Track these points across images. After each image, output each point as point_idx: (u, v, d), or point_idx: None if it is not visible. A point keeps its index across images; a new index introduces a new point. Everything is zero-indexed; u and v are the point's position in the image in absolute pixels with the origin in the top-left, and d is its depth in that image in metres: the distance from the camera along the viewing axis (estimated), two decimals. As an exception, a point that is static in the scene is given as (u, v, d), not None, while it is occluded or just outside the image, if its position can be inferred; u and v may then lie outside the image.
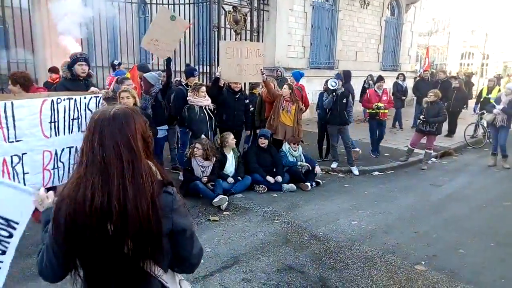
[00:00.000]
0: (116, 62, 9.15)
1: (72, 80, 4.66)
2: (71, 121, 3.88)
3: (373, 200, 5.76)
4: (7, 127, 3.45)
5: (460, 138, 10.21)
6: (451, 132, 10.57)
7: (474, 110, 10.70)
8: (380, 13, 15.04)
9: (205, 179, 5.39)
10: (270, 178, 5.93)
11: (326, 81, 7.47)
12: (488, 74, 38.53)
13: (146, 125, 1.41)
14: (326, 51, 13.55)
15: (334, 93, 6.95)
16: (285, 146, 6.47)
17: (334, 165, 7.29)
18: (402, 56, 16.84)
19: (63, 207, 1.28)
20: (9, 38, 9.04)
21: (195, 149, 5.45)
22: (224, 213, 4.97)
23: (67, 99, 3.83)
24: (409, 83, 12.30)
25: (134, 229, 1.25)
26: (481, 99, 10.50)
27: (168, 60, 6.22)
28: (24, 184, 3.62)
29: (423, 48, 28.11)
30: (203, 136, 5.63)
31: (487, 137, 9.63)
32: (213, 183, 5.40)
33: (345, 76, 8.31)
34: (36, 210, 4.45)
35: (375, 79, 11.45)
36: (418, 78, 12.43)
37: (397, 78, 11.77)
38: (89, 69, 4.79)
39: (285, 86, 6.75)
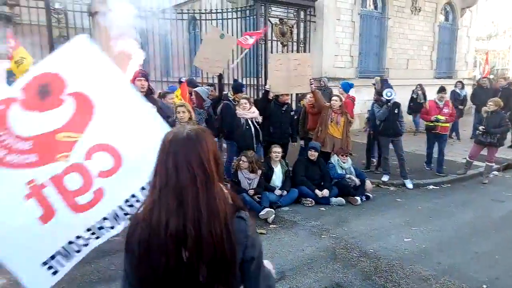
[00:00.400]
0: (183, 79, 9.31)
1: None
2: None
3: (428, 216, 5.47)
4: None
5: (525, 149, 9.45)
6: (515, 142, 9.80)
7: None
8: (433, 19, 14.41)
9: (251, 191, 5.42)
10: (318, 192, 5.84)
11: (377, 91, 7.28)
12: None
13: (217, 146, 1.38)
14: (375, 60, 13.20)
15: (388, 104, 6.73)
16: (334, 158, 6.35)
17: (385, 178, 7.03)
18: (458, 63, 15.96)
19: (137, 232, 1.25)
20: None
21: (240, 162, 5.52)
22: (270, 226, 4.95)
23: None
24: (468, 91, 11.60)
25: (209, 255, 1.20)
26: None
27: (220, 76, 6.45)
28: None
29: (482, 54, 26.45)
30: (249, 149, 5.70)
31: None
32: (259, 195, 5.42)
33: (382, 84, 8.08)
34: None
35: (425, 89, 10.97)
36: (476, 86, 11.68)
37: (455, 86, 11.16)
38: (148, 85, 5.01)
39: (335, 97, 6.65)
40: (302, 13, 10.62)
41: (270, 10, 10.01)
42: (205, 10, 10.57)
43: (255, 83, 10.09)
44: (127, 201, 1.94)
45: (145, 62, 10.57)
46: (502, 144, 7.26)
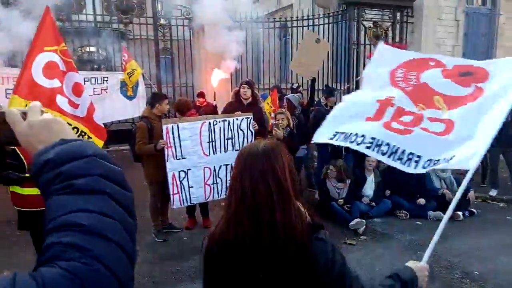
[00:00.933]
0: (295, 85, 9.37)
1: (238, 102, 5.14)
2: (226, 140, 4.40)
3: (548, 238, 4.79)
4: (175, 146, 4.12)
5: None
6: None
7: None
8: (558, 12, 12.55)
9: (341, 201, 5.34)
10: (421, 200, 5.53)
11: None
12: None
13: (292, 161, 1.33)
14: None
15: None
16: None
17: (493, 192, 6.35)
18: None
19: (215, 249, 1.25)
20: (175, 66, 10.71)
21: (328, 171, 5.47)
22: (361, 237, 4.82)
23: (221, 121, 4.36)
24: None
25: (286, 277, 1.16)
26: None
27: (313, 81, 6.55)
28: (190, 197, 4.27)
29: None
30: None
31: None
32: (349, 205, 5.31)
33: None
34: (190, 216, 5.08)
35: None
36: None
37: None
38: (252, 93, 5.18)
39: None
40: (398, 14, 10.13)
41: (363, 13, 9.75)
42: (297, 17, 10.69)
43: (347, 88, 9.89)
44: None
45: (237, 69, 11.17)
46: None
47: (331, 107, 6.15)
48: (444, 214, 5.12)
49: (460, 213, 5.42)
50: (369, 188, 5.74)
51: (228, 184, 4.36)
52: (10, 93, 5.92)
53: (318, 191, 5.79)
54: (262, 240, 1.16)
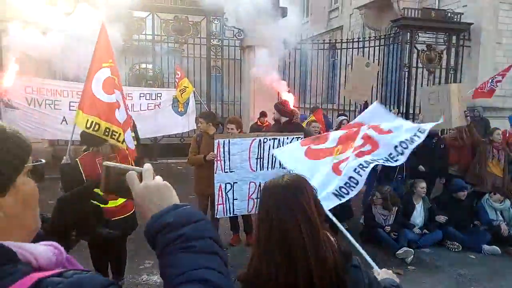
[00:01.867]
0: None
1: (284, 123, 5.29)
2: (274, 158, 4.46)
3: None
4: (224, 159, 4.26)
5: None
6: None
7: None
8: None
9: (388, 228, 5.15)
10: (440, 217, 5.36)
11: None
12: None
13: (316, 192, 1.36)
14: (548, 87, 11.20)
15: None
16: (484, 198, 5.63)
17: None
18: None
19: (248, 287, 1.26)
20: (223, 83, 11.05)
21: (374, 197, 5.32)
22: (409, 267, 4.62)
23: (272, 139, 4.45)
24: None
25: None
26: None
27: (366, 104, 6.58)
28: (233, 209, 4.38)
29: None
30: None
31: None
32: (396, 233, 5.11)
33: None
34: (235, 233, 5.17)
35: None
36: None
37: None
38: (284, 113, 5.33)
39: (498, 131, 6.01)
40: (454, 38, 9.84)
41: (417, 36, 9.57)
42: (347, 39, 10.70)
43: (395, 112, 9.66)
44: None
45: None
46: None
47: None
48: (501, 249, 4.86)
49: (519, 250, 5.05)
50: (418, 216, 5.51)
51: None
52: (73, 106, 6.45)
53: (363, 216, 5.64)
54: (297, 273, 1.16)
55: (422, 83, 9.64)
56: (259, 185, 4.42)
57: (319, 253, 1.17)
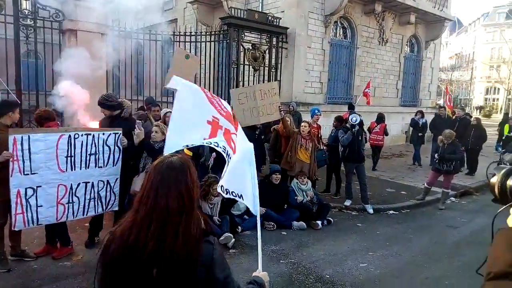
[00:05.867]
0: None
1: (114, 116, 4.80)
2: (88, 156, 4.07)
3: (386, 241, 5.63)
4: (23, 160, 3.65)
5: (482, 176, 9.90)
6: (472, 170, 10.30)
7: (497, 149, 10.45)
8: (399, 50, 15.16)
9: (216, 218, 5.42)
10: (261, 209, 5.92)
11: (338, 118, 7.61)
12: (515, 109, 37.66)
13: (196, 175, 1.50)
14: (344, 87, 13.68)
15: (354, 129, 6.97)
16: (293, 182, 6.51)
17: (347, 202, 7.21)
18: (422, 92, 16.76)
19: (112, 247, 1.36)
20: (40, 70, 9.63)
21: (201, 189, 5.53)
22: (230, 251, 4.95)
23: (84, 134, 4.03)
24: (428, 120, 12.15)
25: (176, 274, 1.32)
26: (503, 138, 10.27)
27: None
28: (37, 217, 3.80)
29: (448, 83, 27.94)
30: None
31: (510, 177, 9.30)
32: (220, 219, 5.42)
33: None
34: (47, 242, 4.55)
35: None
36: (435, 115, 12.31)
37: (415, 115, 11.71)
38: (110, 109, 4.87)
39: (304, 124, 6.92)
40: (274, 39, 10.95)
41: (243, 35, 10.27)
42: (179, 32, 10.70)
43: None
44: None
45: (118, 82, 10.61)
46: (457, 171, 7.63)
47: None
48: (307, 223, 5.63)
49: (319, 222, 6.01)
50: (241, 202, 5.95)
51: (85, 204, 4.08)
52: None
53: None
54: (164, 245, 1.31)
55: (249, 80, 10.46)
56: (71, 188, 3.98)
57: (187, 230, 1.35)
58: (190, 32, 10.71)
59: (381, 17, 13.93)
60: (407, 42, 15.63)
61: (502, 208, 0.86)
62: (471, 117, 11.75)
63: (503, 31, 46.22)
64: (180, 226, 1.34)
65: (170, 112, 6.16)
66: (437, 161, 7.40)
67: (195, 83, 8.04)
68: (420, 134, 11.32)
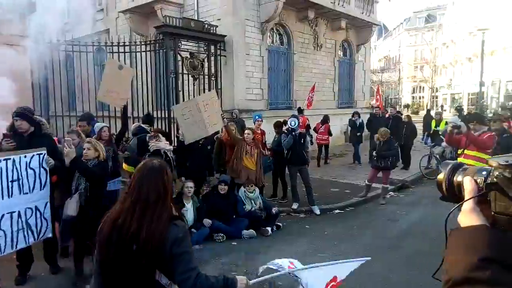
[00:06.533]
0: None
1: (18, 136, 4.24)
2: (9, 183, 3.66)
3: (333, 241, 5.76)
4: None
5: (415, 170, 10.59)
6: (407, 164, 10.98)
7: (426, 143, 11.25)
8: (333, 54, 15.84)
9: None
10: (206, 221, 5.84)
11: (276, 123, 7.76)
12: (438, 106, 41.15)
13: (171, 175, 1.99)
14: (284, 92, 13.98)
15: (294, 133, 7.08)
16: (241, 191, 6.46)
17: (295, 206, 7.30)
18: (356, 94, 17.65)
19: (105, 228, 1.85)
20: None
21: None
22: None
23: (3, 160, 3.61)
24: (365, 119, 12.79)
25: (151, 249, 1.76)
26: (431, 132, 11.09)
27: (124, 109, 6.24)
28: None
29: (379, 84, 29.79)
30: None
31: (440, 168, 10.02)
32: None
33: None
34: None
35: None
36: (370, 115, 13.02)
37: (352, 116, 12.28)
38: (31, 124, 4.43)
39: (247, 131, 6.89)
40: (212, 47, 10.88)
41: (180, 44, 10.06)
42: (112, 42, 10.24)
43: (167, 115, 9.93)
44: None
45: (47, 96, 9.88)
46: (394, 167, 8.08)
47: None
48: (256, 231, 5.56)
49: (268, 228, 6.02)
50: (188, 215, 5.78)
51: (13, 236, 3.67)
52: None
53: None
54: (143, 226, 1.77)
55: (189, 89, 10.26)
56: None
57: (161, 216, 1.81)
58: (124, 42, 10.31)
59: (314, 23, 14.47)
60: (340, 46, 16.39)
61: (454, 208, 0.84)
62: (402, 114, 12.58)
63: (423, 34, 50.39)
64: (155, 213, 1.80)
65: (107, 126, 5.84)
66: (375, 158, 7.77)
67: (131, 94, 7.76)
68: (358, 133, 11.88)
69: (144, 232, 1.74)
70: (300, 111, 11.32)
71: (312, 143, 10.22)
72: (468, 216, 0.80)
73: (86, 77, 10.39)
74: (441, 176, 0.90)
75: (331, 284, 2.55)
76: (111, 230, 1.80)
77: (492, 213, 0.78)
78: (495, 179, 0.76)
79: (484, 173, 0.80)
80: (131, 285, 1.80)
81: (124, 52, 10.22)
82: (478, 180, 0.81)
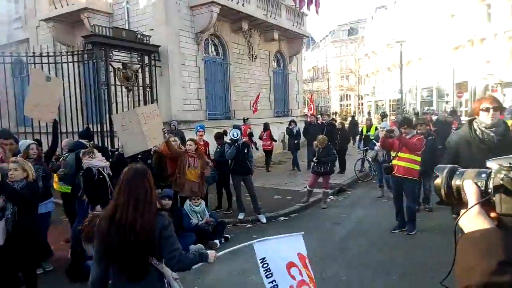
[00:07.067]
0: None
1: None
2: None
3: (282, 248, 5.77)
4: None
5: (351, 173, 11.12)
6: (343, 169, 11.50)
7: (359, 147, 11.89)
8: (267, 65, 16.21)
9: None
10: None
11: (217, 135, 7.75)
12: (364, 112, 44.10)
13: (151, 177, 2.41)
14: (222, 103, 13.96)
15: (236, 144, 7.04)
16: (186, 205, 6.25)
17: (241, 216, 7.24)
18: (291, 103, 18.22)
19: (103, 223, 2.24)
20: None
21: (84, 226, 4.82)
22: None
23: None
24: (301, 127, 13.20)
25: (145, 238, 2.18)
26: (363, 137, 11.76)
27: (55, 123, 5.76)
28: None
29: (310, 93, 31.12)
30: (98, 207, 5.04)
31: (373, 170, 10.63)
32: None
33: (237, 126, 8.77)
34: None
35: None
36: (306, 123, 13.47)
37: (289, 124, 12.61)
38: None
39: (189, 142, 6.72)
40: (146, 57, 10.50)
41: (111, 54, 9.56)
42: (33, 53, 9.41)
43: (99, 129, 9.33)
44: None
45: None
46: (332, 172, 8.40)
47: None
48: (204, 245, 5.39)
49: (216, 241, 5.87)
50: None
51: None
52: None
53: (70, 252, 5.01)
54: (137, 217, 2.17)
55: (122, 101, 9.76)
56: None
57: (150, 209, 2.22)
58: (48, 53, 9.52)
59: (248, 34, 14.71)
60: (273, 57, 16.83)
61: (463, 213, 0.82)
62: (336, 121, 13.22)
63: (347, 46, 53.85)
64: (145, 208, 2.20)
65: (34, 143, 5.29)
66: (315, 164, 8.01)
67: (59, 107, 7.15)
68: (295, 141, 12.22)
69: (138, 223, 2.15)
70: (244, 120, 11.86)
71: (257, 149, 11.37)
72: (474, 219, 0.79)
73: (4, 91, 9.42)
74: (438, 181, 0.88)
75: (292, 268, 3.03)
76: (110, 225, 2.18)
77: (497, 215, 0.78)
78: (501, 182, 0.77)
79: (483, 175, 0.81)
80: (131, 267, 2.19)
81: (49, 63, 9.44)
82: (479, 183, 0.81)
